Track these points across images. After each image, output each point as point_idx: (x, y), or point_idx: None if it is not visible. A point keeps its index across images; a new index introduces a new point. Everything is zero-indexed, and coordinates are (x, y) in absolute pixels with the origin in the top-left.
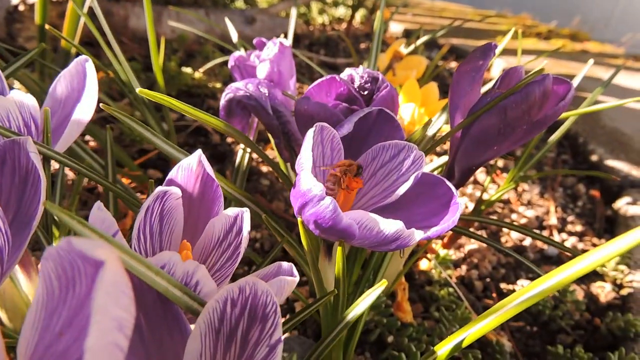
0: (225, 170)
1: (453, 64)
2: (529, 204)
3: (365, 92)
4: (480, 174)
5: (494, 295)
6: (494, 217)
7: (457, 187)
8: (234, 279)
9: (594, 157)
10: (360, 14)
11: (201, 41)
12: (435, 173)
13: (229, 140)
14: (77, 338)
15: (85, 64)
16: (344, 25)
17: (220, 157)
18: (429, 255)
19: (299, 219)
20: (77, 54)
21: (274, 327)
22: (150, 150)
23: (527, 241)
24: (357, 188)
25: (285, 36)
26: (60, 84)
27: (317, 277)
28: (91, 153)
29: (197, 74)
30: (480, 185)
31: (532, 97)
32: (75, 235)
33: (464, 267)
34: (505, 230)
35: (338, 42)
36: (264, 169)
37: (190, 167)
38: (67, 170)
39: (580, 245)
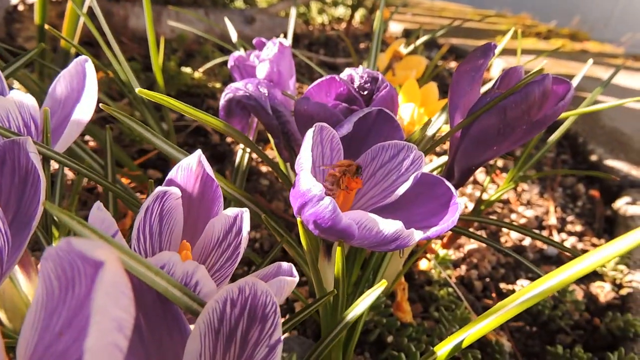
0: (225, 170)
1: (453, 64)
2: (529, 204)
3: (365, 92)
4: (480, 174)
5: (494, 295)
6: (494, 217)
7: (456, 187)
8: (233, 279)
9: (594, 157)
10: (359, 13)
11: (201, 41)
12: (434, 173)
13: (229, 140)
14: (76, 338)
15: (85, 64)
16: (343, 25)
17: (219, 157)
18: (428, 255)
19: (298, 219)
20: (77, 54)
21: (273, 327)
22: (150, 150)
23: (527, 241)
24: (357, 188)
25: (285, 36)
26: (60, 84)
27: (316, 277)
28: (91, 153)
29: (197, 74)
30: (479, 185)
31: (531, 97)
32: (74, 236)
33: (463, 267)
34: (504, 230)
35: (337, 41)
36: (264, 169)
37: (189, 167)
38: (66, 170)
39: (580, 245)
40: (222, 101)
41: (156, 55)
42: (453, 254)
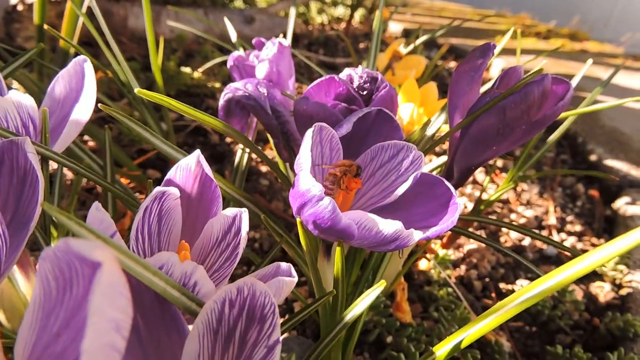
0: (225, 170)
1: (452, 64)
2: (528, 203)
3: (364, 92)
4: (480, 174)
5: (493, 295)
6: (493, 217)
7: (456, 187)
8: (232, 279)
9: (593, 157)
10: (359, 13)
11: (200, 41)
12: (434, 173)
13: (228, 140)
14: (74, 339)
15: (84, 64)
16: (343, 25)
17: (219, 157)
18: (428, 255)
19: (297, 219)
20: (76, 54)
21: (272, 327)
22: (150, 150)
23: (526, 241)
24: (356, 188)
25: (284, 36)
26: (59, 84)
27: (316, 278)
28: (90, 153)
29: (196, 74)
30: (479, 185)
31: (531, 97)
32: (73, 236)
33: (463, 267)
34: (504, 230)
35: (337, 41)
36: (263, 169)
37: (188, 167)
38: (66, 170)
39: (580, 245)
40: (221, 101)
41: (155, 55)
42: (452, 254)
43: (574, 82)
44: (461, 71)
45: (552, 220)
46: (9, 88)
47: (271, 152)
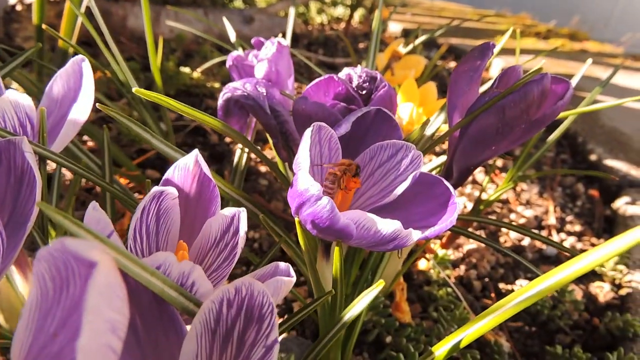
0: (224, 170)
1: (452, 64)
2: (528, 203)
3: (364, 92)
4: (479, 174)
5: (493, 295)
6: (493, 217)
7: (455, 187)
8: (231, 279)
9: (593, 157)
10: (358, 13)
11: (199, 41)
12: (433, 173)
13: (227, 140)
14: (71, 339)
15: (82, 63)
16: (342, 25)
17: (218, 157)
18: (427, 255)
19: (296, 219)
20: (75, 54)
21: (270, 327)
22: (149, 150)
23: (526, 241)
24: (355, 188)
25: (284, 36)
26: (57, 84)
27: (315, 278)
28: (88, 153)
29: (196, 74)
30: (478, 185)
31: (530, 96)
32: (70, 236)
33: (462, 267)
34: (504, 230)
35: (336, 41)
36: (263, 168)
37: (187, 166)
38: (64, 170)
39: (579, 245)
40: (220, 101)
41: (154, 55)
42: (452, 254)
43: (573, 82)
44: (460, 71)
45: (551, 220)
46: (9, 88)
47: (270, 152)
